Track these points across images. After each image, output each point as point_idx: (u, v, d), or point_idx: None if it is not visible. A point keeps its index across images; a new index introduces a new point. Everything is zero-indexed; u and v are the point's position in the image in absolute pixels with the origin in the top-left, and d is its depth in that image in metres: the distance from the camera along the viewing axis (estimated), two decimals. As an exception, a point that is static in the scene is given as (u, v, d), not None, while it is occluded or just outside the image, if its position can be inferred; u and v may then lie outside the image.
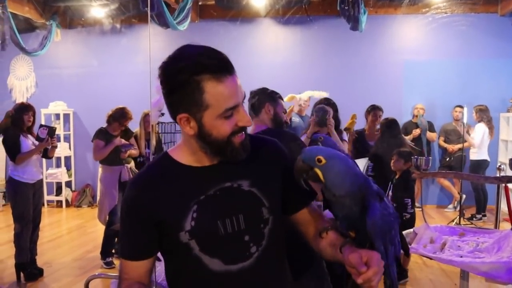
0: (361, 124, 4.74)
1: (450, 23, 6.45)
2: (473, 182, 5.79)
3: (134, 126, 4.60)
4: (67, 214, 6.73)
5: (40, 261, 4.11)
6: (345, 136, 3.81)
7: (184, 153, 1.09)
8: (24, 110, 3.85)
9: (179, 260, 1.07)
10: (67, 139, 7.30)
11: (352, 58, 6.73)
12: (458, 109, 6.22)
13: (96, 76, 7.19)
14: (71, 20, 7.24)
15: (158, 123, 4.49)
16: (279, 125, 2.16)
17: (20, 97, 7.34)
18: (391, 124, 4.20)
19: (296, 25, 6.81)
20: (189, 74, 0.96)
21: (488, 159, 5.94)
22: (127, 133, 4.42)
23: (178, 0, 5.84)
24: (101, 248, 4.23)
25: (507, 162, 4.83)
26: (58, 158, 7.09)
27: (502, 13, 6.41)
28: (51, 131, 3.93)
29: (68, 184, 7.28)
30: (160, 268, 2.63)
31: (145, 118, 4.45)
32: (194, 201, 1.03)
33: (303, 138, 2.64)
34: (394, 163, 3.74)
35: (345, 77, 6.70)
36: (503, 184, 3.15)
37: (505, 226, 4.45)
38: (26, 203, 3.82)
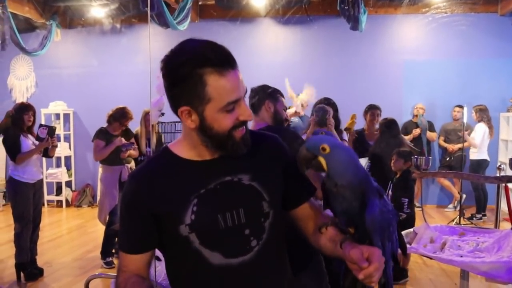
0: (360, 124, 4.75)
1: (450, 23, 6.45)
2: (473, 182, 5.79)
3: (134, 126, 4.61)
4: (67, 214, 6.73)
5: (40, 261, 4.11)
6: (345, 136, 3.82)
7: (184, 147, 1.09)
8: (24, 110, 3.85)
9: (179, 254, 1.07)
10: (67, 139, 7.30)
11: (352, 58, 6.73)
12: (457, 109, 6.23)
13: (96, 76, 7.19)
14: (71, 20, 7.24)
15: (158, 123, 4.49)
16: (279, 123, 2.15)
17: (20, 97, 7.35)
18: (390, 124, 4.21)
19: (296, 25, 6.81)
20: (191, 67, 0.97)
21: (488, 158, 5.94)
22: (127, 133, 4.41)
23: (178, 0, 5.84)
24: (101, 248, 4.23)
25: (507, 161, 4.84)
26: (58, 158, 7.10)
27: (502, 12, 6.41)
28: (51, 130, 3.93)
29: (68, 184, 7.28)
30: (160, 268, 2.63)
31: (146, 116, 4.45)
32: (194, 194, 1.04)
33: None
34: (394, 163, 3.74)
35: (345, 77, 6.70)
36: (503, 184, 3.15)
37: (505, 225, 4.46)
38: (26, 203, 3.82)
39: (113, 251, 4.27)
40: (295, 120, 4.35)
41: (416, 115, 6.41)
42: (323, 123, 3.05)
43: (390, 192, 3.70)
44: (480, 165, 5.89)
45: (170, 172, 1.07)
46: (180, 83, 0.99)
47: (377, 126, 4.52)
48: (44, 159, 5.93)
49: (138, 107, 4.43)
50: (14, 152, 3.77)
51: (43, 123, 5.57)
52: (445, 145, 6.32)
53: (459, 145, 5.94)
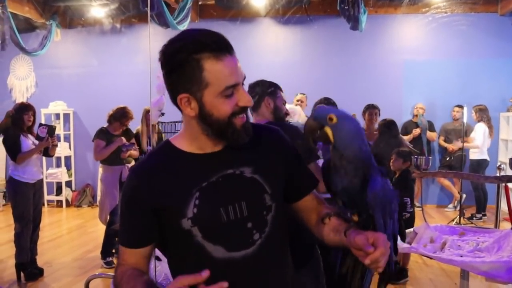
0: (360, 124, 4.75)
1: (450, 22, 6.45)
2: (473, 182, 5.79)
3: (135, 126, 4.61)
4: (67, 214, 6.73)
5: (40, 261, 4.11)
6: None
7: (185, 140, 1.08)
8: (24, 110, 3.85)
9: (182, 248, 1.06)
10: (67, 139, 7.30)
11: (352, 58, 6.73)
12: (456, 108, 6.23)
13: (96, 76, 7.19)
14: (71, 20, 7.24)
15: (158, 123, 4.49)
16: (280, 119, 2.13)
17: (20, 97, 7.34)
18: (389, 125, 4.22)
19: (296, 25, 6.81)
20: (188, 53, 0.97)
21: (488, 158, 5.94)
22: (127, 133, 4.41)
23: (178, 0, 5.84)
24: (102, 248, 4.23)
25: (507, 161, 4.84)
26: (58, 158, 7.10)
27: (502, 12, 6.41)
28: (51, 130, 3.93)
29: (68, 184, 7.28)
30: (160, 268, 2.63)
31: (147, 115, 4.45)
32: (196, 188, 1.03)
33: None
34: (393, 163, 3.74)
35: (345, 77, 6.70)
36: (503, 184, 3.16)
37: (505, 225, 4.46)
38: (27, 203, 3.82)
39: (113, 251, 4.27)
40: (293, 120, 4.35)
41: (416, 115, 6.41)
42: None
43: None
44: (480, 165, 5.89)
45: (171, 166, 1.06)
46: (177, 70, 0.99)
47: (376, 125, 4.53)
48: (44, 159, 5.94)
49: (138, 107, 4.43)
50: (14, 152, 3.77)
51: (43, 122, 5.57)
52: (445, 145, 6.32)
53: (459, 145, 5.94)
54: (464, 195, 5.84)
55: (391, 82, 6.67)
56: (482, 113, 5.92)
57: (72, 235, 5.52)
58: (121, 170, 4.28)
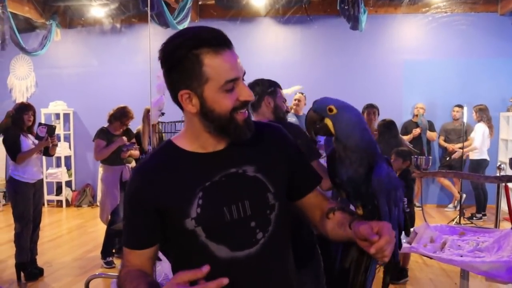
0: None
1: (450, 22, 6.45)
2: (473, 182, 5.79)
3: (135, 126, 4.61)
4: (67, 214, 6.73)
5: (40, 260, 4.11)
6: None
7: (187, 139, 1.08)
8: (24, 110, 3.85)
9: (186, 249, 1.06)
10: (67, 138, 7.30)
11: (352, 57, 6.73)
12: (456, 108, 6.23)
13: (96, 76, 7.19)
14: (71, 19, 7.24)
15: (158, 123, 4.49)
16: (281, 118, 2.12)
17: (20, 97, 7.35)
18: (389, 125, 4.22)
19: (296, 24, 6.81)
20: (187, 49, 0.97)
21: (488, 158, 5.95)
22: (128, 133, 4.41)
23: (178, 0, 5.84)
24: (102, 248, 4.23)
25: (507, 161, 4.84)
26: (58, 158, 7.10)
27: (502, 12, 6.42)
28: (50, 129, 3.92)
29: (68, 183, 7.28)
30: (160, 268, 2.64)
31: (148, 114, 4.44)
32: (200, 187, 1.03)
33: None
34: (393, 162, 3.73)
35: (345, 77, 6.70)
36: (503, 184, 3.16)
37: (505, 225, 4.46)
38: (27, 203, 3.82)
39: (114, 251, 4.28)
40: (292, 120, 4.36)
41: (416, 115, 6.41)
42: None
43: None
44: (480, 164, 5.90)
45: (173, 166, 1.06)
46: (177, 66, 0.99)
47: (375, 125, 4.53)
48: (44, 159, 5.94)
49: (138, 106, 4.43)
50: (14, 152, 3.77)
51: (43, 122, 5.57)
52: (445, 144, 6.32)
53: (459, 145, 5.94)
54: (464, 195, 5.84)
55: (391, 82, 6.67)
56: (482, 113, 5.92)
57: (72, 235, 5.52)
58: (121, 170, 4.28)
